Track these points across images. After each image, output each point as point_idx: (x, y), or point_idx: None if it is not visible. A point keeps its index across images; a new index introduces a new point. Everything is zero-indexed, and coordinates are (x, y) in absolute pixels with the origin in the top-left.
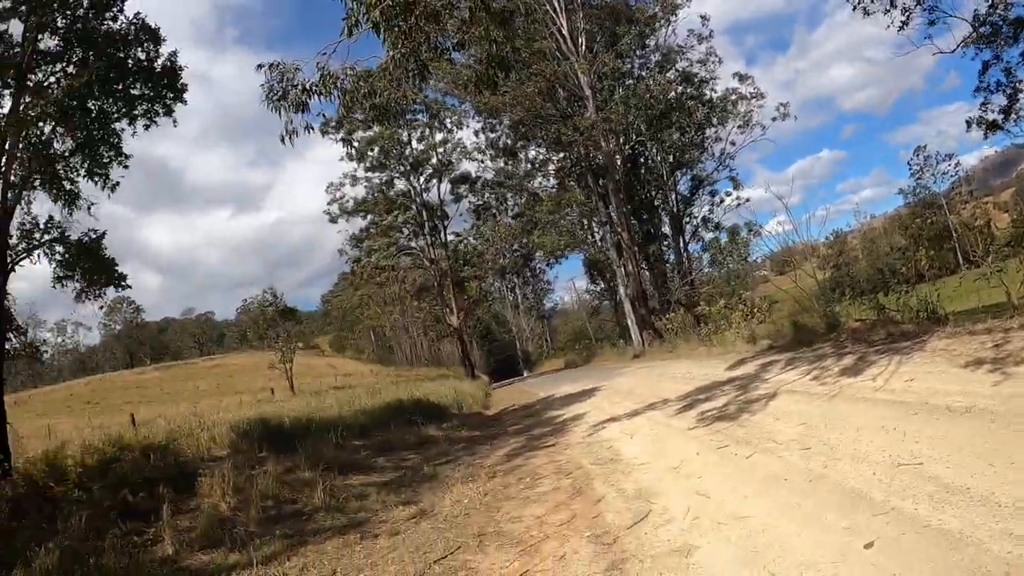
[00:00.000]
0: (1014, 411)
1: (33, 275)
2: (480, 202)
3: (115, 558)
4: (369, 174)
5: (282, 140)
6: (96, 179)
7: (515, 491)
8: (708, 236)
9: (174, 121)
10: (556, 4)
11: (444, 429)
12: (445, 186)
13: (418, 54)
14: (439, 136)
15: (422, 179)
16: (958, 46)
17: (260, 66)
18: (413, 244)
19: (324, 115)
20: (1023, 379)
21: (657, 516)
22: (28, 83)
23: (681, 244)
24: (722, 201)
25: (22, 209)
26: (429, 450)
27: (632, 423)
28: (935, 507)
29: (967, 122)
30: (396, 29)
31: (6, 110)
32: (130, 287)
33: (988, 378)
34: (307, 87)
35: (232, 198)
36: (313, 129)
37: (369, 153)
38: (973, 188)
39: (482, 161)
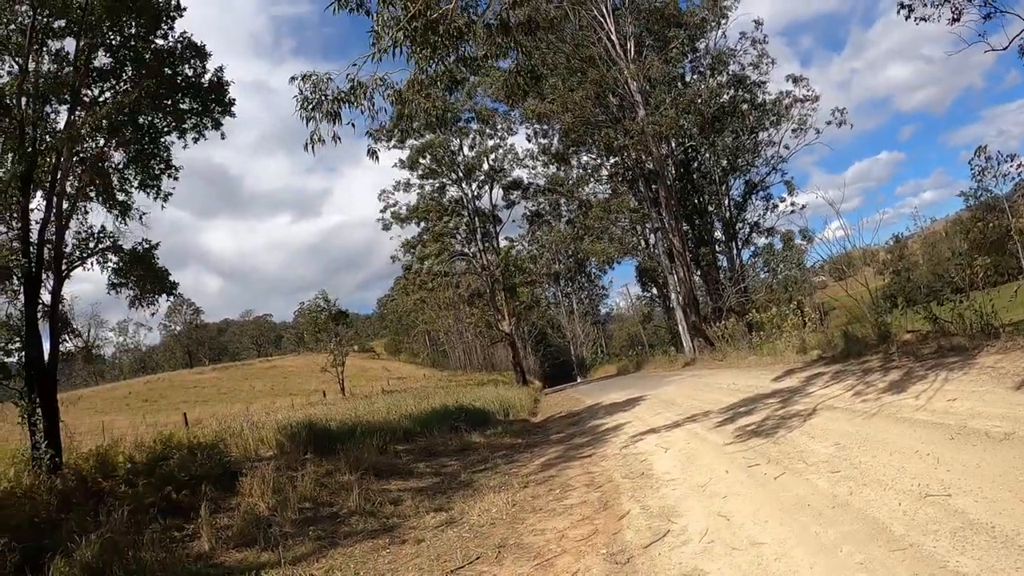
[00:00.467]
0: None
1: (96, 276)
2: (534, 208)
3: (152, 552)
4: (421, 181)
5: (306, 148)
6: (148, 190)
7: (543, 502)
8: (761, 242)
9: (222, 134)
10: (604, 9)
11: (487, 436)
12: (497, 192)
13: (447, 68)
14: (490, 143)
15: (474, 186)
16: (1011, 42)
17: (294, 78)
18: (466, 250)
19: (353, 124)
20: None
21: (674, 537)
22: (84, 98)
23: (734, 250)
24: (776, 206)
25: (77, 219)
26: (469, 457)
27: (670, 436)
28: (955, 546)
29: None
30: (420, 50)
31: (61, 125)
32: (181, 295)
33: None
34: (338, 97)
35: (291, 204)
36: (340, 140)
37: (421, 161)
38: None
39: (533, 168)
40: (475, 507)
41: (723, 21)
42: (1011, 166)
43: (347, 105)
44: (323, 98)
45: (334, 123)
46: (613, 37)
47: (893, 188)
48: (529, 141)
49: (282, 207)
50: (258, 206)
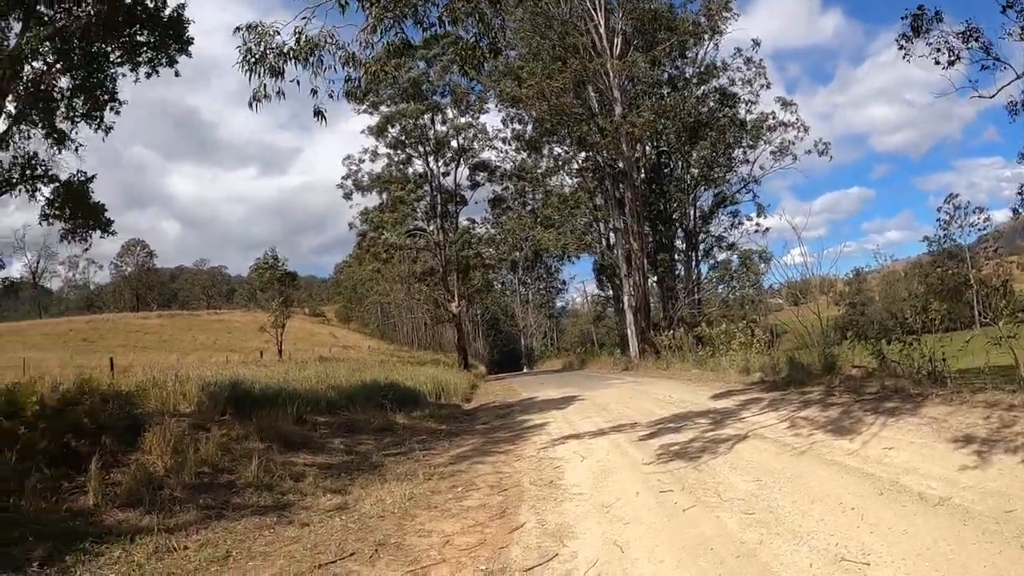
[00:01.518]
0: (992, 513)
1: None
2: (501, 190)
3: (32, 502)
4: (389, 150)
5: (250, 105)
6: (91, 121)
7: (441, 499)
8: (721, 257)
9: (176, 72)
10: (596, 1)
11: (413, 418)
12: (463, 171)
13: (402, 28)
14: (462, 120)
15: (441, 162)
16: (999, 90)
17: (238, 28)
18: (425, 226)
19: (299, 83)
20: (1012, 473)
21: (560, 563)
22: (44, 17)
23: (693, 261)
24: (742, 223)
25: (15, 144)
26: (387, 438)
27: (592, 444)
28: None
29: (1013, 210)
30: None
31: (11, 43)
32: (115, 233)
33: (975, 464)
34: (284, 51)
35: (260, 158)
36: (284, 96)
37: (389, 130)
38: (999, 245)
39: (504, 152)
40: (372, 495)
41: (717, 36)
42: (979, 218)
43: (296, 62)
44: (268, 51)
45: (278, 79)
46: (601, 31)
47: (859, 223)
48: (504, 125)
49: (250, 160)
50: (227, 155)
